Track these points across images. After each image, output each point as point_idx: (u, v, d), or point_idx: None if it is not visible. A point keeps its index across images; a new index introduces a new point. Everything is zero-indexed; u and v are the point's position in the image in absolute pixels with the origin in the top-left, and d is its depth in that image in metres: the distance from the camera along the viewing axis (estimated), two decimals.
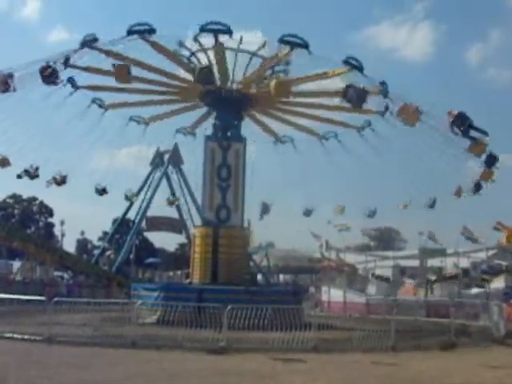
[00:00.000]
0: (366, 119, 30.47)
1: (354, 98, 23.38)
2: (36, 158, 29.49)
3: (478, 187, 27.19)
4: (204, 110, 31.44)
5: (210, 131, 29.80)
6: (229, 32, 24.87)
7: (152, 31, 24.84)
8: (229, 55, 27.35)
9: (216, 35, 25.06)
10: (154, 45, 25.53)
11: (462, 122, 23.48)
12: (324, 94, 28.73)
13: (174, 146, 52.54)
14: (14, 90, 24.16)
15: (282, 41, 25.21)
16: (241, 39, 27.08)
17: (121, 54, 25.30)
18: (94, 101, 29.48)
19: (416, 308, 28.33)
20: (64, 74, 25.35)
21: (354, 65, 25.41)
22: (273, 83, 24.36)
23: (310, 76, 27.57)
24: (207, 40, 26.80)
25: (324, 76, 26.99)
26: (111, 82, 27.93)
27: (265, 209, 35.96)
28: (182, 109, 31.80)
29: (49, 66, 23.59)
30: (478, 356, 16.51)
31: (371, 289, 37.59)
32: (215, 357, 15.10)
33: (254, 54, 27.96)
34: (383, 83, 25.53)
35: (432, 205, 29.67)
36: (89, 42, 24.60)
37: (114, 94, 30.04)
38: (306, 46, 24.99)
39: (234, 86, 28.32)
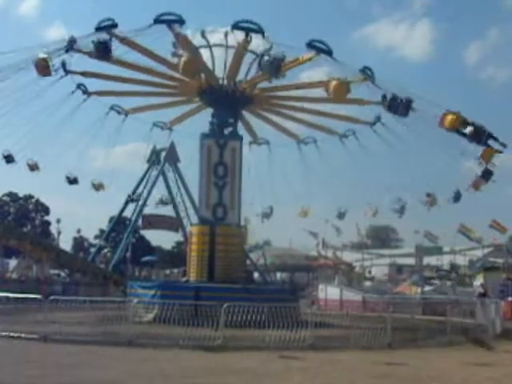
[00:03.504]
0: (346, 126, 30.65)
1: (267, 67, 22.94)
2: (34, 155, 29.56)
3: (487, 173, 25.37)
4: (190, 106, 31.55)
5: (206, 129, 29.77)
6: (180, 22, 24.59)
7: (115, 26, 24.16)
8: (220, 52, 27.46)
9: (170, 26, 24.68)
10: (139, 47, 25.40)
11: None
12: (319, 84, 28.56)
13: (171, 143, 52.50)
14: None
15: (235, 27, 24.77)
16: (226, 34, 26.99)
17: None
18: (81, 90, 28.88)
19: (412, 306, 28.35)
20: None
21: (319, 48, 24.74)
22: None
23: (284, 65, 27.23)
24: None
25: (296, 63, 26.46)
26: (114, 86, 28.14)
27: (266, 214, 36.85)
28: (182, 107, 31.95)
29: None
30: (474, 354, 16.52)
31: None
32: (212, 355, 15.09)
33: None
34: (366, 68, 25.00)
35: (456, 198, 28.84)
36: (70, 45, 24.35)
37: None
38: (260, 30, 24.52)
39: (227, 83, 28.24)
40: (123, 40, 24.49)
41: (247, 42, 25.41)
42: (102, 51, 23.22)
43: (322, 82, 25.64)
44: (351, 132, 31.55)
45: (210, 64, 28.11)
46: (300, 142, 33.61)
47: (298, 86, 29.19)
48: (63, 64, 25.35)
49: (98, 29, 23.99)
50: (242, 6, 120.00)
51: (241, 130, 30.98)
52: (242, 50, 26.17)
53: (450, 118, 22.78)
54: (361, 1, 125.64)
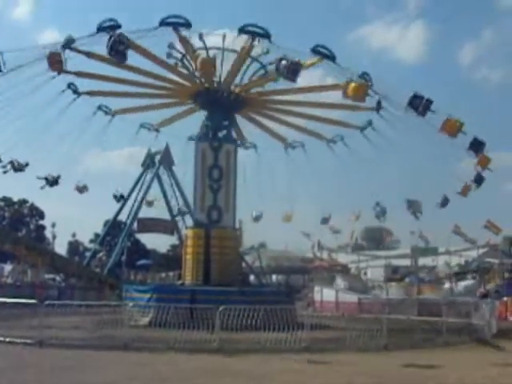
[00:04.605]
0: (348, 123, 30.70)
1: (285, 71, 22.86)
2: (26, 158, 29.43)
3: (479, 179, 26.84)
4: (180, 109, 31.51)
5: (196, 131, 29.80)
6: (187, 25, 24.74)
7: (118, 27, 24.00)
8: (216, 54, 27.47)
9: (176, 29, 24.84)
10: (138, 49, 25.33)
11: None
12: (315, 88, 28.74)
13: (165, 147, 52.52)
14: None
15: (242, 31, 24.87)
16: (224, 37, 27.04)
17: (103, 56, 25.15)
18: (72, 90, 28.54)
19: (408, 306, 28.39)
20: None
21: (323, 53, 24.92)
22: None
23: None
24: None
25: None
26: (108, 86, 28.09)
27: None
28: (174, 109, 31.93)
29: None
30: (470, 354, 16.58)
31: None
32: (208, 358, 15.08)
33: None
34: (365, 74, 25.14)
35: (444, 203, 29.38)
36: (67, 44, 24.34)
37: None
38: (267, 35, 24.60)
39: (223, 86, 28.27)
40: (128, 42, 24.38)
41: (252, 46, 25.56)
42: (119, 56, 23.17)
43: (336, 85, 25.82)
44: (339, 138, 31.72)
45: None
46: (287, 146, 33.68)
47: (309, 90, 29.15)
48: (72, 86, 25.37)
49: (100, 29, 23.95)
50: (235, 7, 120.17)
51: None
52: (247, 54, 26.26)
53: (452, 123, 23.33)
54: (354, 2, 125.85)
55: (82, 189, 32.86)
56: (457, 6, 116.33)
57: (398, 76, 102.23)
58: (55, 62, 23.78)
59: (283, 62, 22.96)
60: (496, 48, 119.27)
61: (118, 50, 22.86)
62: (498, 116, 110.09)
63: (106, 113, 30.95)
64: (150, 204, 52.37)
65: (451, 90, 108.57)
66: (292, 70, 22.78)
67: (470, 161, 26.38)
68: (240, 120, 31.45)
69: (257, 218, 38.04)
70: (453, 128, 23.67)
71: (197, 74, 26.80)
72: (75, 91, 28.30)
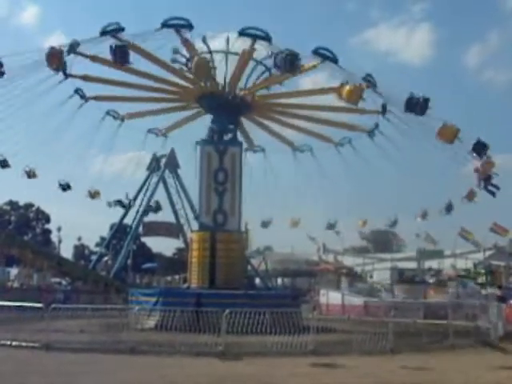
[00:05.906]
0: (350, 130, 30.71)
1: (283, 63, 22.76)
2: (33, 163, 29.61)
3: (487, 179, 26.30)
4: (187, 113, 31.61)
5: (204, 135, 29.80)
6: (189, 27, 24.78)
7: (121, 30, 24.23)
8: (220, 58, 27.55)
9: (178, 30, 24.89)
10: (141, 51, 25.37)
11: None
12: (318, 91, 28.75)
13: (171, 150, 52.55)
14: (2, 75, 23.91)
15: (242, 34, 24.96)
16: (227, 40, 27.13)
17: (108, 60, 25.21)
18: (79, 94, 28.70)
19: (414, 309, 28.29)
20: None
21: (325, 55, 24.91)
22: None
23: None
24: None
25: (301, 70, 26.71)
26: (113, 90, 28.14)
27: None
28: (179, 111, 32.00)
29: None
30: (477, 357, 16.49)
31: None
32: (214, 361, 15.06)
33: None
34: (369, 75, 25.11)
35: (448, 210, 29.43)
36: (72, 48, 24.38)
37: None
38: (267, 37, 24.67)
39: (228, 89, 28.31)
40: (129, 45, 24.47)
41: (253, 48, 25.57)
42: (120, 57, 23.17)
43: (333, 88, 25.79)
44: (347, 140, 31.56)
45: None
46: (296, 149, 33.63)
47: (308, 93, 29.17)
48: (64, 67, 25.27)
49: (104, 33, 24.01)
50: (240, 11, 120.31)
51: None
52: (248, 56, 26.24)
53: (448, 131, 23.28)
54: (359, 6, 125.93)
55: (65, 187, 32.84)
56: (462, 9, 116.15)
57: (404, 79, 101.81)
58: (56, 58, 23.56)
59: (280, 55, 22.94)
60: (502, 50, 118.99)
61: (121, 51, 23.00)
62: (504, 118, 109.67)
63: (115, 118, 31.23)
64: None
65: (457, 93, 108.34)
66: (289, 61, 22.69)
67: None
68: (247, 123, 31.47)
69: (265, 224, 38.18)
70: (449, 134, 23.56)
71: (191, 76, 26.75)
72: (82, 96, 28.49)
